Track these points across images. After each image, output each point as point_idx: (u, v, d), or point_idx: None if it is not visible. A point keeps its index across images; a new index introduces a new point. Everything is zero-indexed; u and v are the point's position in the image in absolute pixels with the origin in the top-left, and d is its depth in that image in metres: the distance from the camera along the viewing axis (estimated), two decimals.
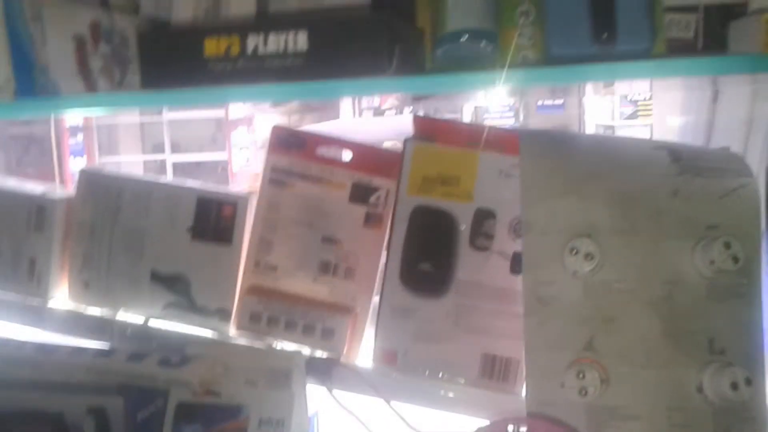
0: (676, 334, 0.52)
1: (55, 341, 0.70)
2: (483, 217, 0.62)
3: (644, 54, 0.54)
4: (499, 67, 0.52)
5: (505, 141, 0.61)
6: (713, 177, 0.55)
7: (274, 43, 0.55)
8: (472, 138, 0.62)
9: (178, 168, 2.57)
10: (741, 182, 0.55)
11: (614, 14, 0.53)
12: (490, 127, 0.63)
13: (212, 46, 0.57)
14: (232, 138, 2.37)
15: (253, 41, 0.56)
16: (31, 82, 0.64)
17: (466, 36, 0.55)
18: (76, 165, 2.06)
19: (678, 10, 0.60)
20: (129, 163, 2.61)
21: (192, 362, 0.61)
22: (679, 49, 0.60)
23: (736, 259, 0.52)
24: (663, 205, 0.54)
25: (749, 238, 0.53)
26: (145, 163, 2.63)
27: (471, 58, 0.56)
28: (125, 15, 0.71)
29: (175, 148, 2.59)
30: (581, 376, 0.52)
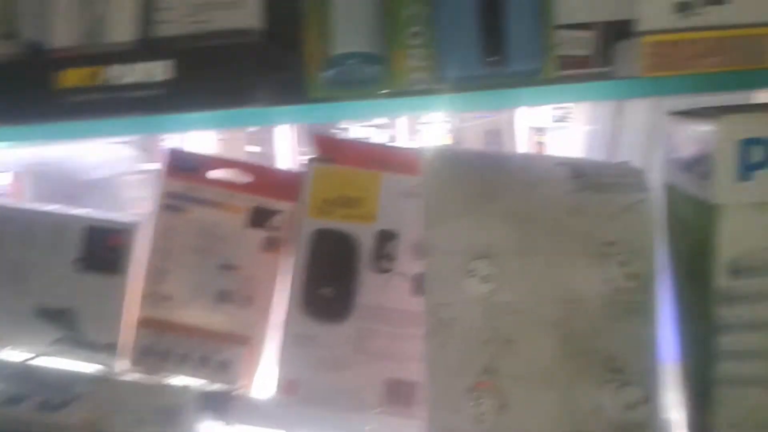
0: (574, 354, 0.52)
1: None
2: (386, 239, 0.60)
3: (534, 74, 0.53)
4: (384, 92, 0.50)
5: (407, 160, 0.60)
6: (611, 192, 0.55)
7: (134, 72, 0.52)
8: (374, 158, 0.61)
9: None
10: (637, 197, 0.55)
11: (503, 36, 0.52)
12: (392, 147, 0.61)
13: (66, 77, 0.53)
14: None
15: (111, 70, 0.52)
16: None
17: (354, 59, 0.54)
18: None
19: (573, 27, 0.59)
20: None
21: (75, 403, 0.58)
22: (575, 66, 0.60)
23: (632, 277, 0.52)
24: (561, 222, 0.54)
25: (645, 255, 0.53)
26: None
27: (359, 81, 0.54)
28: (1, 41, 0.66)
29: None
30: (479, 401, 0.51)
